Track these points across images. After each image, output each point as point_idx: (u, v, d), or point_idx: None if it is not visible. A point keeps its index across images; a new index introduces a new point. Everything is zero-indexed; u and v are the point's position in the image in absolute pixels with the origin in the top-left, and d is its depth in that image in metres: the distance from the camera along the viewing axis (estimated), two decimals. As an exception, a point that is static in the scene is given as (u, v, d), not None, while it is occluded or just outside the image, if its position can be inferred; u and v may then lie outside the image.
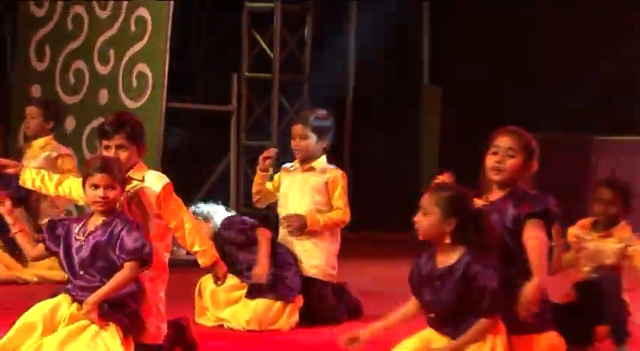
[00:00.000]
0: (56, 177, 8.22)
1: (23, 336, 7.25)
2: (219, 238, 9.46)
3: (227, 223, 9.63)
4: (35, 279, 10.87)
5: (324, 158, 9.85)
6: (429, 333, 6.76)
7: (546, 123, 16.08)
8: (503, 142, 7.15)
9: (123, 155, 7.71)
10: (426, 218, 6.85)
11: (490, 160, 6.85)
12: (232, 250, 9.47)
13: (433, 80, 18.41)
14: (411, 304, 7.04)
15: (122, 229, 7.20)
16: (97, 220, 7.37)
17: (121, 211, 7.35)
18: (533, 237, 6.60)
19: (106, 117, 8.93)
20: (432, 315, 6.74)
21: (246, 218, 9.90)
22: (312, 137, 9.76)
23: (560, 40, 17.46)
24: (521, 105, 17.10)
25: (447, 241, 6.77)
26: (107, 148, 8.09)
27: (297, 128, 9.89)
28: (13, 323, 7.18)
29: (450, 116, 18.04)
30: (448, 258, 7.01)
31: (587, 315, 7.93)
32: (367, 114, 17.71)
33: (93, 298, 7.01)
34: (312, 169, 9.88)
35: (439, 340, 6.72)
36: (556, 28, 17.53)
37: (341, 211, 9.74)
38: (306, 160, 9.93)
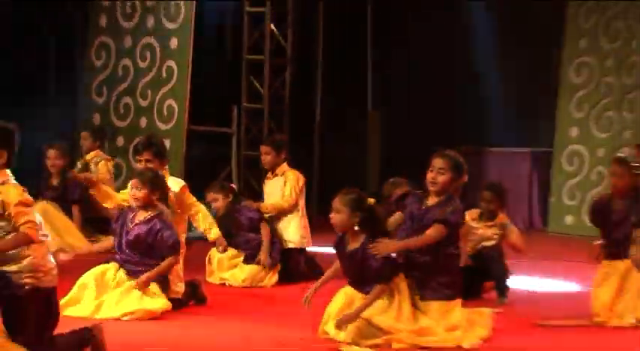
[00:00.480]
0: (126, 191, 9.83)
1: (81, 294, 8.99)
2: (230, 219, 11.30)
3: (240, 209, 11.38)
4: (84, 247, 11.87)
5: (284, 165, 11.66)
6: (350, 290, 8.39)
7: (464, 138, 17.00)
8: (436, 162, 8.40)
9: (149, 166, 9.78)
10: (339, 215, 8.25)
11: (428, 176, 8.08)
12: (238, 229, 11.31)
13: (375, 106, 19.36)
14: (338, 265, 8.61)
15: (160, 229, 8.85)
16: (141, 215, 9.00)
17: (160, 211, 8.96)
18: (427, 233, 8.09)
19: (141, 137, 12.10)
20: (349, 280, 8.40)
21: (255, 212, 11.58)
22: (273, 153, 11.61)
23: (465, 68, 18.32)
24: (444, 123, 18.04)
25: (355, 229, 8.26)
26: (139, 161, 10.14)
27: (262, 147, 11.94)
28: (73, 284, 8.96)
29: (386, 136, 18.98)
30: (355, 243, 8.41)
31: (478, 275, 9.92)
32: (330, 135, 18.43)
33: (144, 278, 8.69)
34: (276, 175, 11.67)
35: (357, 296, 8.26)
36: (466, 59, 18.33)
37: (283, 198, 11.71)
38: (272, 168, 11.76)
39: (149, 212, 8.91)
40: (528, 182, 17.22)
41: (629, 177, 9.51)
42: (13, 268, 6.68)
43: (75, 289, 9.05)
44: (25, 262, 6.64)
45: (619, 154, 11.87)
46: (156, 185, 8.98)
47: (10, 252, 6.57)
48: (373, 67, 19.19)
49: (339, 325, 8.06)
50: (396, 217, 9.12)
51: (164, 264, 8.90)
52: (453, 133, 17.76)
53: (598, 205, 9.96)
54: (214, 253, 11.03)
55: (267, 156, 11.51)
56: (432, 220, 8.27)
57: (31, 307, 6.74)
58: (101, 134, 13.83)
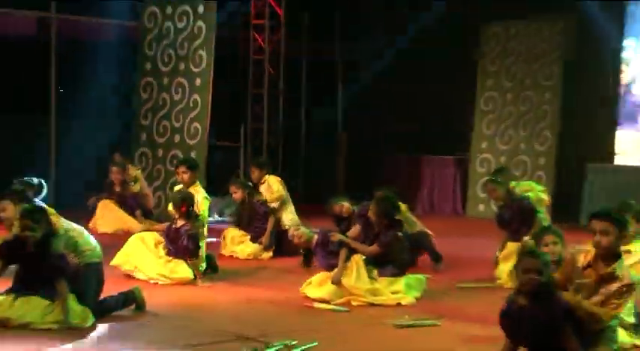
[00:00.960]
0: None
1: (129, 253, 10.22)
2: (245, 207, 12.67)
3: (255, 203, 12.63)
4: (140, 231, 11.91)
5: (266, 176, 13.25)
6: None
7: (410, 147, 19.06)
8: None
9: (185, 177, 11.07)
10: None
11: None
12: (253, 217, 12.62)
13: (343, 127, 20.45)
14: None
15: (184, 239, 10.17)
16: (178, 223, 10.45)
17: (187, 222, 10.26)
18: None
19: (179, 157, 14.34)
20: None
21: (265, 206, 12.74)
22: (257, 170, 13.24)
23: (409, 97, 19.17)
24: (404, 138, 19.35)
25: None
26: (177, 173, 11.56)
27: (251, 167, 13.74)
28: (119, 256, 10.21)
29: (350, 150, 19.96)
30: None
31: (415, 251, 10.95)
32: (310, 146, 19.60)
33: (193, 268, 9.97)
34: (263, 182, 13.22)
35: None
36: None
37: (274, 194, 13.07)
38: (258, 180, 13.25)
39: (181, 223, 10.52)
40: (453, 180, 18.65)
41: (498, 191, 11.21)
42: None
43: (123, 250, 10.49)
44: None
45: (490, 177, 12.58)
46: (184, 203, 10.51)
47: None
48: (342, 99, 20.22)
49: (335, 282, 9.45)
50: (355, 229, 11.05)
51: (191, 263, 10.29)
52: (401, 143, 19.25)
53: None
54: (228, 232, 12.64)
55: (254, 173, 13.26)
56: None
57: (89, 278, 8.38)
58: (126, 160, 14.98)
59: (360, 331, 8.42)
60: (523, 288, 6.20)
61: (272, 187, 12.86)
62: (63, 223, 8.62)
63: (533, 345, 6.28)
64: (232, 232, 12.55)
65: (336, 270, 9.40)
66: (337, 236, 9.87)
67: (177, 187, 12.07)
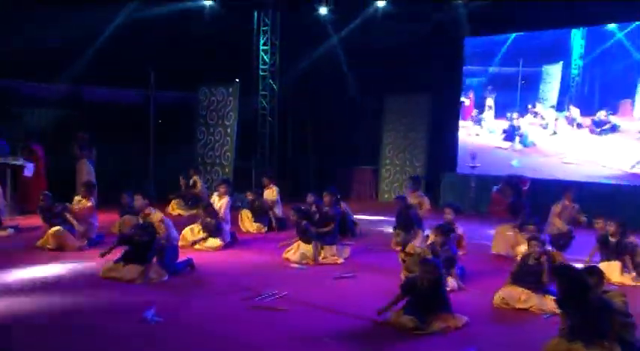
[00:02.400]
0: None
1: (185, 234, 10.39)
2: (256, 205, 12.47)
3: (263, 201, 12.48)
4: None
5: (271, 185, 12.97)
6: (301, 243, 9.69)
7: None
8: None
9: (222, 190, 11.28)
10: None
11: None
12: (263, 210, 12.46)
13: (313, 150, 19.23)
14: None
15: (214, 224, 10.28)
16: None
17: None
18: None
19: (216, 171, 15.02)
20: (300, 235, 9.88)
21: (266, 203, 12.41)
22: (266, 180, 13.06)
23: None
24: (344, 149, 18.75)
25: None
26: (216, 188, 11.75)
27: (263, 179, 13.31)
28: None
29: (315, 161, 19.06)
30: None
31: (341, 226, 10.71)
32: (296, 158, 19.05)
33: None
34: (268, 188, 12.95)
35: (305, 246, 9.71)
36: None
37: (272, 197, 12.78)
38: (266, 186, 12.99)
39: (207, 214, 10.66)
40: (370, 180, 18.58)
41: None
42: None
43: (183, 233, 10.55)
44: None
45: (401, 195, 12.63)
46: (210, 212, 10.66)
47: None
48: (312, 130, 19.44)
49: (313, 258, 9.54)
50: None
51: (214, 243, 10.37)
52: (337, 157, 18.69)
53: None
54: (243, 214, 12.66)
55: (264, 181, 13.27)
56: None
57: (170, 252, 8.66)
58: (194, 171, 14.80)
59: (314, 282, 8.60)
60: (422, 283, 6.69)
61: (273, 192, 12.97)
62: (160, 215, 9.00)
63: (417, 297, 6.67)
64: (245, 215, 12.64)
65: (311, 246, 9.77)
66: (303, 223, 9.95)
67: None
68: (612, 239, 8.72)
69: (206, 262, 9.37)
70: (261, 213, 12.40)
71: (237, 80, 16.17)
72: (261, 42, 17.40)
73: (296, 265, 9.50)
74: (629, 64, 13.47)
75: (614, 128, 13.80)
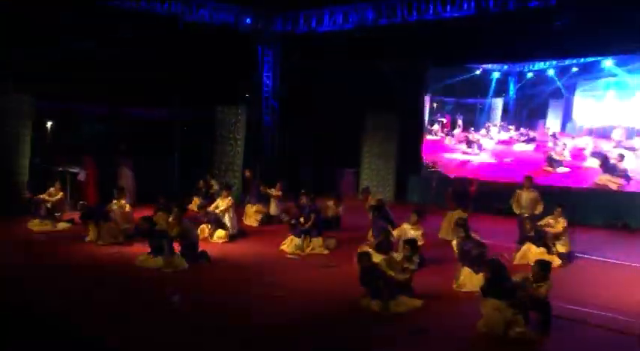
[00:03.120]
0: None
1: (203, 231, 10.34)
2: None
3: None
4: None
5: (278, 188, 12.91)
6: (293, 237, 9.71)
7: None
8: None
9: (225, 194, 11.16)
10: None
11: None
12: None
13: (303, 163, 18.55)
14: None
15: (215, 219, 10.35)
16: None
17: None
18: None
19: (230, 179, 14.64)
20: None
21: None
22: (280, 186, 12.84)
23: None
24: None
25: None
26: (220, 195, 11.63)
27: (278, 185, 13.13)
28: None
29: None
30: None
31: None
32: (293, 163, 18.25)
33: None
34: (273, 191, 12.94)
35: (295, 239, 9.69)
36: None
37: (277, 196, 12.93)
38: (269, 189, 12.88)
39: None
40: (352, 181, 18.69)
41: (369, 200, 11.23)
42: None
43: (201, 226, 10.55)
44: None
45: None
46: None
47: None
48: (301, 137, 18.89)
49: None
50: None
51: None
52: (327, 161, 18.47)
53: None
54: (247, 209, 13.01)
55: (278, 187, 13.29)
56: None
57: (193, 247, 8.88)
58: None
59: (303, 270, 8.88)
60: (362, 280, 7.06)
61: (276, 193, 13.41)
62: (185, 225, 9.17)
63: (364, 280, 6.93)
64: (249, 209, 13.03)
65: (300, 239, 10.00)
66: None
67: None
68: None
69: (218, 253, 9.66)
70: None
71: (247, 95, 17.30)
72: (265, 69, 18.02)
73: (290, 256, 9.77)
74: (543, 101, 15.64)
75: (533, 139, 15.96)
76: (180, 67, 15.89)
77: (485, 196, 13.60)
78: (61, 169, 13.50)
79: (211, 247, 9.85)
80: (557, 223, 9.28)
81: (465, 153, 17.04)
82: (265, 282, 7.94)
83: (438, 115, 17.67)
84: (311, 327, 6.45)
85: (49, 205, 11.95)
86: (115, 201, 11.27)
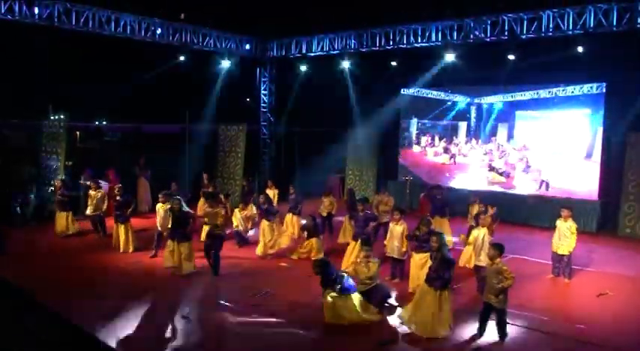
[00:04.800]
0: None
1: None
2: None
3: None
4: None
5: (273, 187, 13.72)
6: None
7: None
8: None
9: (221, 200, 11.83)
10: None
11: None
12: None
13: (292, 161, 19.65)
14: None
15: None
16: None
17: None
18: None
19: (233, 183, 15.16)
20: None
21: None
22: (269, 182, 13.70)
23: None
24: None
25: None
26: (268, 186, 12.95)
27: (268, 182, 14.14)
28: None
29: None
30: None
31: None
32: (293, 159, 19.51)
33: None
34: (270, 189, 13.50)
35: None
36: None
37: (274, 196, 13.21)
38: (269, 187, 13.64)
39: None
40: (339, 184, 19.69)
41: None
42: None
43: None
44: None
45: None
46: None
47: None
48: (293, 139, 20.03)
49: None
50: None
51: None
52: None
53: None
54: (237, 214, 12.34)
55: (268, 184, 14.13)
56: None
57: (218, 241, 9.61)
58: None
59: (294, 278, 9.68)
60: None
61: (273, 193, 14.07)
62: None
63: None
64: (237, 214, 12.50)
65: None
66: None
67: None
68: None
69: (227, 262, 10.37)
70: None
71: (248, 99, 18.93)
72: (262, 88, 19.50)
73: (283, 264, 10.57)
74: (494, 123, 17.42)
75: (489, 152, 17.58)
76: (190, 89, 17.31)
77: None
78: (88, 183, 13.90)
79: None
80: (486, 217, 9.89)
81: (442, 163, 18.59)
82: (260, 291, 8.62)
83: (421, 133, 19.08)
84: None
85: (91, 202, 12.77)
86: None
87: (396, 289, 8.70)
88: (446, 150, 18.08)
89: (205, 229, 10.98)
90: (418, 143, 18.67)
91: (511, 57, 14.50)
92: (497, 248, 7.23)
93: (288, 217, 12.59)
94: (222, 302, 8.48)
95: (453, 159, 17.99)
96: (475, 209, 11.07)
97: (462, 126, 17.87)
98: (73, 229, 13.18)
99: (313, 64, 18.16)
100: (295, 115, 19.24)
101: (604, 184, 14.73)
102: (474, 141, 17.64)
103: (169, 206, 10.08)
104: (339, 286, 7.47)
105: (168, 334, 7.27)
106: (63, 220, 13.07)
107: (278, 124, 19.56)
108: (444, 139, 18.27)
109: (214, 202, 10.93)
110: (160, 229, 11.01)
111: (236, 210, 12.25)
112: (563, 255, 10.17)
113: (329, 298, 7.52)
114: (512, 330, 7.49)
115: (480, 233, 9.01)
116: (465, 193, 15.06)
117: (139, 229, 12.64)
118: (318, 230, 10.86)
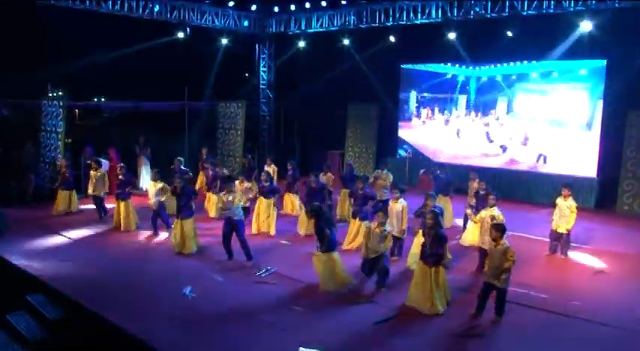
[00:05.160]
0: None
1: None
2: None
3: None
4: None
5: (272, 164, 13.21)
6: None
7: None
8: None
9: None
10: None
11: None
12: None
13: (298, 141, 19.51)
14: None
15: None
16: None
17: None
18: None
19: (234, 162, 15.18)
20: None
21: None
22: (269, 160, 13.24)
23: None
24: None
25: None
26: (267, 163, 12.47)
27: (267, 159, 13.51)
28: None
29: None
30: None
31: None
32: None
33: None
34: (270, 165, 13.04)
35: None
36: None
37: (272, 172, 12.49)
38: (268, 165, 13.15)
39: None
40: (339, 160, 19.21)
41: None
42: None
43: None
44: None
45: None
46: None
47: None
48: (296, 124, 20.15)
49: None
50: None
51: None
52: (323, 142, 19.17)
53: None
54: (259, 205, 11.65)
55: (267, 162, 13.58)
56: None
57: (242, 226, 9.08)
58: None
59: (298, 256, 9.64)
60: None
61: (272, 170, 13.48)
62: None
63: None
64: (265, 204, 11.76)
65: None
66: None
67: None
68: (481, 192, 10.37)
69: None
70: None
71: (246, 75, 18.64)
72: (261, 65, 19.40)
73: (284, 242, 10.57)
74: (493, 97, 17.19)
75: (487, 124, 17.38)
76: (190, 65, 17.11)
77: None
78: (88, 161, 13.80)
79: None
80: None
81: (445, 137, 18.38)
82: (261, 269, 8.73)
83: (421, 106, 18.79)
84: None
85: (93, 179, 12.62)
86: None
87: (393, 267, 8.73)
88: (447, 123, 18.04)
89: (213, 200, 11.68)
90: (418, 116, 18.48)
91: (510, 34, 14.68)
92: (500, 229, 7.25)
93: (287, 196, 12.62)
94: (221, 279, 8.70)
95: (457, 134, 17.93)
96: (475, 185, 10.99)
97: (462, 99, 17.72)
98: (74, 208, 13.26)
99: (312, 40, 18.04)
100: (295, 92, 19.17)
101: (603, 161, 14.69)
102: (473, 114, 17.48)
103: (163, 184, 10.43)
104: (324, 247, 7.82)
105: (167, 309, 7.44)
106: (66, 199, 13.09)
107: (277, 101, 19.50)
108: (445, 112, 18.12)
109: (230, 185, 10.26)
110: (152, 207, 11.11)
111: (236, 182, 11.56)
112: (562, 233, 10.24)
113: (314, 258, 8.04)
114: (508, 307, 7.55)
115: (487, 214, 9.03)
116: (464, 169, 14.99)
117: (139, 207, 12.58)
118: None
